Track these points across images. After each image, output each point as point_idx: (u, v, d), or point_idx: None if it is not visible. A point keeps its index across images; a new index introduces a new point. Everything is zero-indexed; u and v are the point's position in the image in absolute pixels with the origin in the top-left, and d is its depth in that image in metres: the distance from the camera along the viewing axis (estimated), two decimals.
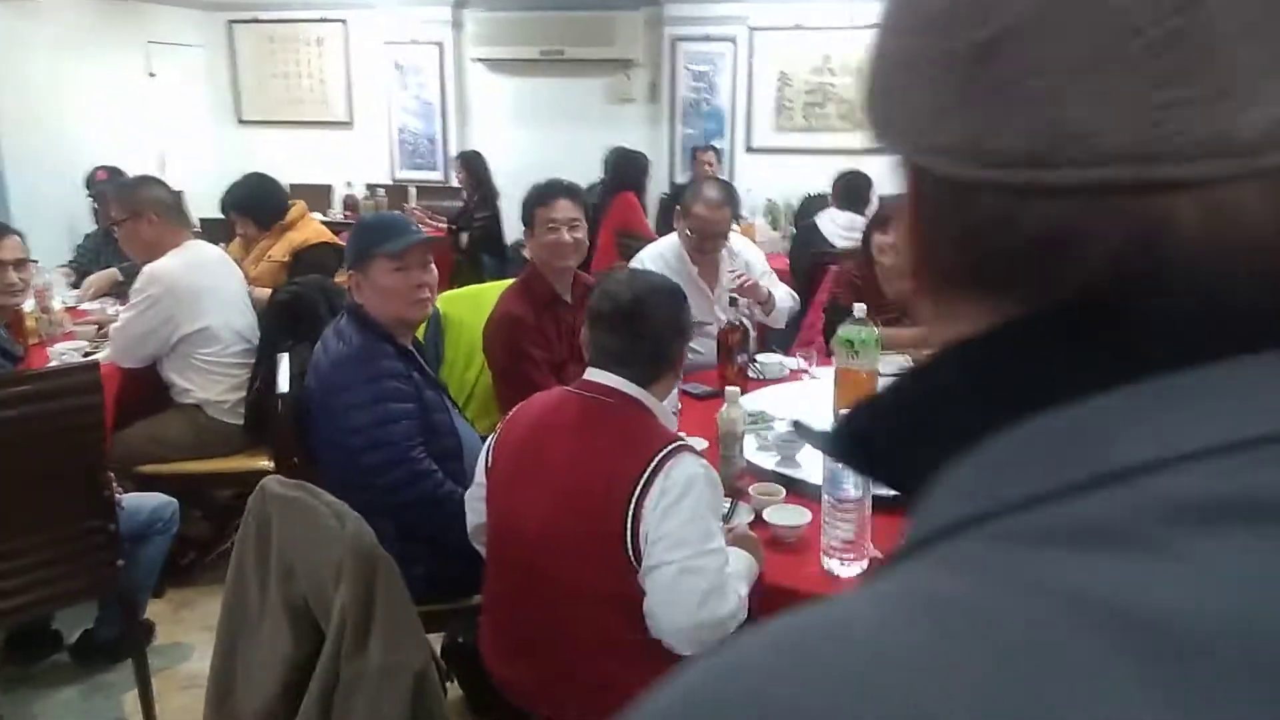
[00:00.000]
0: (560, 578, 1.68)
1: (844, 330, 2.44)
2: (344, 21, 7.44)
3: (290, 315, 2.99)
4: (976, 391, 0.37)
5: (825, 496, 1.78)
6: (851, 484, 1.73)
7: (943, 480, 0.36)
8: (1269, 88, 0.31)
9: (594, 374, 1.79)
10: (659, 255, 3.14)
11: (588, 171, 5.23)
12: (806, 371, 3.00)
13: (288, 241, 3.79)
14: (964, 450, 0.35)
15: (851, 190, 4.47)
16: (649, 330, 1.76)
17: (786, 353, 3.32)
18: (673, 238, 3.18)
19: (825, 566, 1.77)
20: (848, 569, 1.76)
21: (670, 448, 1.66)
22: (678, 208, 3.21)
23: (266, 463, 2.96)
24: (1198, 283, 0.33)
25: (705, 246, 3.06)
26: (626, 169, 5.01)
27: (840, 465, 1.71)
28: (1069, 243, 0.34)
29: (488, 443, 1.88)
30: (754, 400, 2.64)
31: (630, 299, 1.76)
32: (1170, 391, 0.32)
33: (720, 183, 3.38)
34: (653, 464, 1.62)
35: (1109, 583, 0.28)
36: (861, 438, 0.42)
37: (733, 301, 2.89)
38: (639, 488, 1.61)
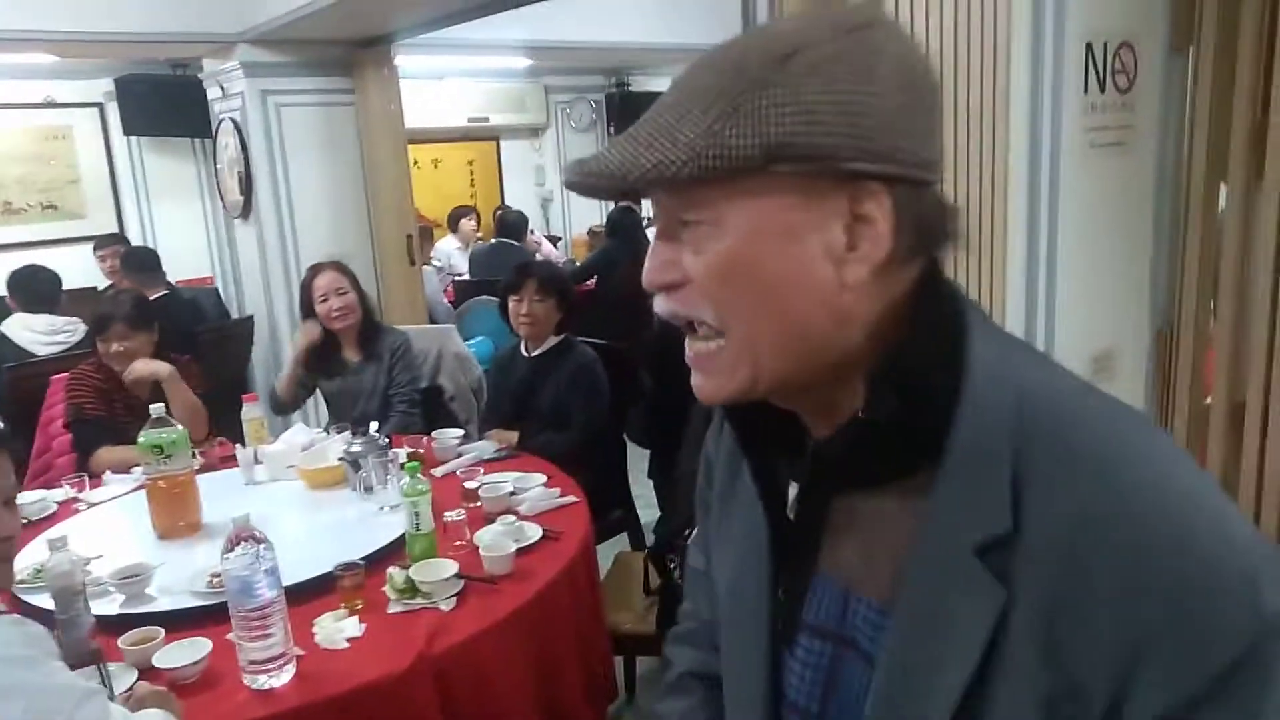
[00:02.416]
0: None
1: (147, 436, 2.16)
2: None
3: None
4: (952, 304, 0.66)
5: (235, 612, 1.59)
6: (266, 584, 1.58)
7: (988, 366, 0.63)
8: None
9: None
10: None
11: None
12: (80, 499, 2.55)
13: None
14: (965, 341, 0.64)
15: (37, 289, 3.85)
16: None
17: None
18: None
19: (255, 685, 1.59)
20: (279, 677, 1.61)
21: None
22: None
23: None
24: None
25: None
26: None
27: (252, 569, 1.57)
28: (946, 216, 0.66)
29: None
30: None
31: None
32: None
33: None
34: None
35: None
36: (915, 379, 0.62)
37: None
38: None
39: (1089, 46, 1.57)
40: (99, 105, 6.08)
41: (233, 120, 4.79)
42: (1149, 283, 1.79)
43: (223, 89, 4.84)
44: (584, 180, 0.63)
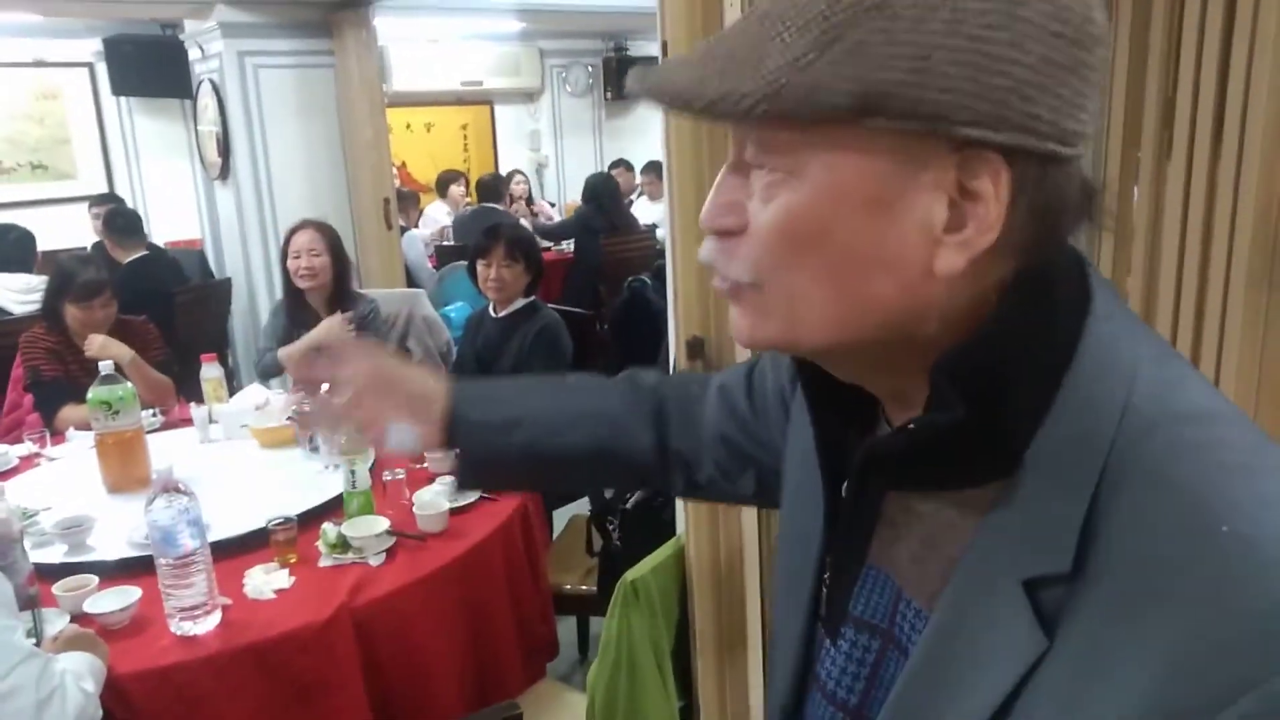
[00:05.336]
0: None
1: (96, 393, 2.21)
2: None
3: None
4: (1067, 297, 0.53)
5: (160, 561, 1.65)
6: (188, 534, 1.64)
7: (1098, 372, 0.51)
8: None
9: None
10: None
11: None
12: (41, 455, 2.61)
13: None
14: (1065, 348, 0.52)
15: (8, 251, 3.90)
16: None
17: None
18: None
19: (179, 632, 1.66)
20: (203, 625, 1.67)
21: None
22: None
23: None
24: None
25: None
26: None
27: (175, 520, 1.62)
28: (1080, 198, 0.52)
29: None
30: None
31: None
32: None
33: None
34: None
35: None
36: (985, 380, 0.51)
37: None
38: None
39: None
40: (89, 65, 6.10)
41: (211, 81, 4.81)
42: None
43: (202, 50, 4.85)
44: (644, 94, 0.52)
